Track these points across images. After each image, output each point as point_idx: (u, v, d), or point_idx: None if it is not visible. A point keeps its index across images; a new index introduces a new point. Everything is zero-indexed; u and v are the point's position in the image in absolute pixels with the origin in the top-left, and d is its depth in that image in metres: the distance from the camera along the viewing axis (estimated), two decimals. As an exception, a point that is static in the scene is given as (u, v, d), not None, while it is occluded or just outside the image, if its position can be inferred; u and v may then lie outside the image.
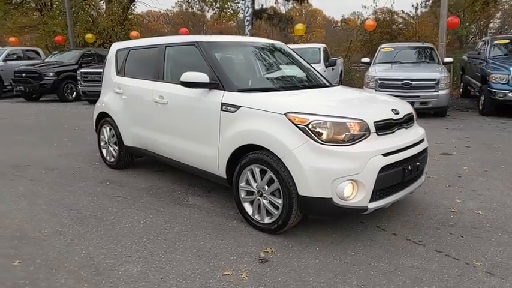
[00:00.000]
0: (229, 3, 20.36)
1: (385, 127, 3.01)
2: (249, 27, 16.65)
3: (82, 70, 11.71)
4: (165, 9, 44.70)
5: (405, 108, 3.39)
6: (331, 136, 2.81)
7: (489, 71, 8.94)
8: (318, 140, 2.80)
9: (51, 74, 12.36)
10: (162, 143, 4.08)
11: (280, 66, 4.15)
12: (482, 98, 9.03)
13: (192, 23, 42.91)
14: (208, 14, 37.62)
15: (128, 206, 3.76)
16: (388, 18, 20.11)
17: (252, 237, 3.09)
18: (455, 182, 4.35)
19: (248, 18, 16.56)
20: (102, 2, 22.87)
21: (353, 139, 2.82)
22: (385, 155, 2.88)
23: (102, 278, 2.55)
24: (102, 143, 5.12)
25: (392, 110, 3.17)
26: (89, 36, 18.54)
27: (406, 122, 3.27)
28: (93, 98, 9.90)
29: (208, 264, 2.71)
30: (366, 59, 10.40)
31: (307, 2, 23.15)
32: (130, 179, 4.60)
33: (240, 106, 3.22)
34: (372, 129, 2.90)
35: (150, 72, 4.27)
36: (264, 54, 4.20)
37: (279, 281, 2.50)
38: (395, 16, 21.88)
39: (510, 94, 8.27)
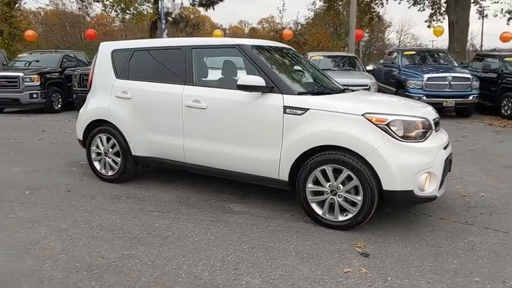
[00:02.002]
0: (136, 5, 19.35)
1: (436, 125, 3.43)
2: (166, 30, 16.20)
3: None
4: (37, 7, 39.49)
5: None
6: (406, 133, 3.10)
7: (405, 77, 10.40)
8: (397, 138, 3.07)
9: None
10: (196, 150, 3.87)
11: (306, 70, 4.30)
12: (400, 101, 10.44)
13: (70, 23, 39.42)
14: (91, 14, 35.15)
15: (174, 220, 3.49)
16: (269, 28, 21.54)
17: (331, 235, 3.20)
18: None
19: (164, 21, 16.10)
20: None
21: (423, 135, 3.16)
22: (444, 148, 3.30)
23: (230, 293, 2.40)
24: (93, 155, 4.56)
25: (434, 110, 3.62)
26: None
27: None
28: None
29: (320, 265, 2.75)
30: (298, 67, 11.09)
31: (213, 9, 23.38)
32: (144, 192, 4.22)
33: (308, 109, 3.30)
34: (432, 126, 3.29)
35: (172, 75, 4.00)
36: (294, 58, 4.30)
37: (397, 269, 2.69)
38: (279, 26, 23.55)
39: (424, 98, 9.72)
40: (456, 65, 11.12)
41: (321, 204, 3.35)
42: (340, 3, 21.19)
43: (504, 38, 14.93)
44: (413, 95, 9.87)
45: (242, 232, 3.26)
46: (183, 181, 4.53)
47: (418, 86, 9.97)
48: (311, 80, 4.01)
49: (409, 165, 3.04)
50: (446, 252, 2.94)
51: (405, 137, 3.10)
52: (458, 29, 16.59)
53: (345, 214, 3.26)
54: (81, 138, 4.66)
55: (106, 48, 4.57)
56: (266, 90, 3.47)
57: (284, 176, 3.46)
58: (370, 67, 10.96)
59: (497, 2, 19.30)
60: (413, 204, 3.41)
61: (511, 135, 7.91)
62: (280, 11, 31.90)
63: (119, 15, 20.88)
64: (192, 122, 3.84)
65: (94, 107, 4.50)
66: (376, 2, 21.50)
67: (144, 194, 4.16)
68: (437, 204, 3.88)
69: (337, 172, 3.23)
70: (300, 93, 3.46)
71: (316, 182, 3.33)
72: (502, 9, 19.68)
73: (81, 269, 2.64)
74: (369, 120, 3.11)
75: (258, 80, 3.42)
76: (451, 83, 9.76)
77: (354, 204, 3.21)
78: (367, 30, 38.98)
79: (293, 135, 3.35)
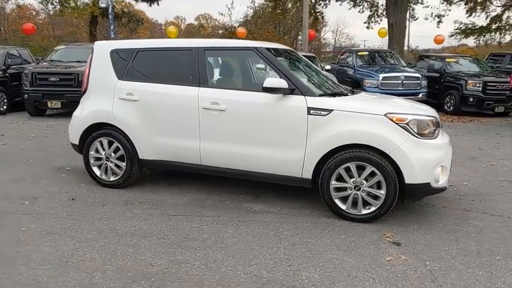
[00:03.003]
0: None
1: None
2: (112, 25, 15.49)
3: None
4: None
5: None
6: (421, 131, 3.42)
7: (361, 77, 11.06)
8: (416, 135, 3.37)
9: None
10: (214, 152, 3.87)
11: (314, 72, 4.45)
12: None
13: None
14: (8, 7, 32.51)
15: (202, 223, 3.49)
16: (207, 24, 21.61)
17: (357, 228, 3.42)
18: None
19: (111, 16, 15.39)
20: None
21: (433, 133, 3.50)
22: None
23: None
24: (92, 160, 4.34)
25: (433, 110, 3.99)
26: None
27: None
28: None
29: (363, 256, 2.95)
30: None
31: (158, 4, 22.74)
32: (154, 196, 4.13)
33: (332, 110, 3.48)
34: (440, 124, 3.65)
35: (184, 76, 3.96)
36: (300, 60, 4.43)
37: (430, 255, 2.98)
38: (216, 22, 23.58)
39: (380, 95, 10.41)
40: (404, 64, 12.05)
41: (343, 199, 3.56)
42: (290, 2, 21.77)
43: (438, 41, 16.44)
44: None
45: (275, 230, 3.36)
46: (188, 184, 4.49)
47: (374, 85, 10.65)
48: (321, 82, 4.18)
49: (427, 160, 3.36)
50: (462, 236, 3.30)
51: (421, 134, 3.41)
52: (397, 31, 17.87)
53: (367, 208, 3.51)
54: (76, 143, 4.41)
55: (103, 48, 4.37)
56: (288, 92, 3.59)
57: (308, 174, 3.61)
58: (328, 66, 11.46)
59: (428, 7, 21.12)
60: (428, 195, 3.74)
61: (460, 129, 8.81)
62: (229, 8, 31.92)
63: (56, 8, 19.58)
64: (210, 124, 3.84)
65: (93, 109, 4.28)
66: (320, 2, 22.47)
67: (155, 198, 4.07)
68: (434, 195, 4.29)
69: (359, 169, 3.46)
70: (320, 95, 3.64)
71: (339, 179, 3.54)
72: (432, 13, 21.52)
73: (138, 279, 2.58)
74: (390, 119, 3.38)
75: (282, 83, 3.54)
76: (404, 82, 10.58)
77: (376, 197, 3.46)
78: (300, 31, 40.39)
79: (318, 135, 3.51)
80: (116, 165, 4.26)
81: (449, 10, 21.43)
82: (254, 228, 3.39)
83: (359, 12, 22.97)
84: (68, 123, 4.62)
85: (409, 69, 11.32)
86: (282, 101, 3.62)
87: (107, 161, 4.29)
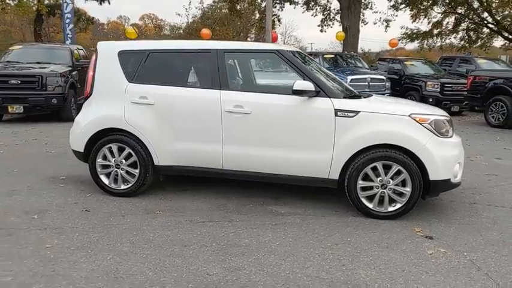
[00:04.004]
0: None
1: (449, 122, 4.06)
2: (70, 25, 14.62)
3: None
4: None
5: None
6: (439, 131, 3.63)
7: (329, 78, 11.41)
8: (437, 134, 3.57)
9: None
10: (238, 156, 3.81)
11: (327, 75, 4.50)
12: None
13: None
14: None
15: (236, 228, 3.44)
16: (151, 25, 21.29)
17: (386, 225, 3.55)
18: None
19: (69, 15, 14.53)
20: None
21: (449, 131, 3.73)
22: (460, 141, 3.94)
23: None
24: (99, 169, 4.09)
25: (441, 110, 4.25)
26: None
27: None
28: None
29: (406, 251, 3.08)
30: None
31: (109, 3, 21.79)
32: (172, 203, 3.99)
33: (359, 111, 3.59)
34: (452, 124, 3.89)
35: (202, 79, 3.86)
36: (315, 63, 4.48)
37: (463, 246, 3.17)
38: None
39: (348, 96, 10.82)
40: (367, 67, 12.62)
41: (369, 198, 3.68)
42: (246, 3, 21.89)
43: (392, 44, 17.41)
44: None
45: (311, 231, 3.39)
46: (199, 189, 4.38)
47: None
48: (338, 84, 4.26)
49: (448, 157, 3.58)
50: (481, 227, 3.56)
51: (440, 134, 3.62)
52: (351, 35, 18.68)
53: (393, 205, 3.65)
54: (81, 150, 4.12)
55: (109, 49, 4.13)
56: (313, 94, 3.64)
57: (334, 175, 3.69)
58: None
59: (376, 12, 22.28)
60: (447, 190, 3.96)
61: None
62: (186, 9, 31.40)
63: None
64: (234, 127, 3.78)
65: (102, 114, 4.03)
66: (275, 5, 22.82)
67: (173, 205, 3.93)
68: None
69: (385, 168, 3.60)
70: (344, 97, 3.73)
71: (364, 178, 3.65)
72: (380, 18, 22.73)
73: (203, 289, 2.49)
74: (414, 120, 3.56)
75: (309, 85, 3.59)
76: (370, 83, 11.07)
77: (400, 195, 3.62)
78: (252, 32, 40.85)
79: (346, 137, 3.60)
80: (128, 172, 4.05)
81: (396, 16, 22.87)
82: (290, 231, 3.40)
83: (312, 15, 23.84)
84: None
85: (374, 72, 11.88)
86: (308, 103, 3.67)
87: (117, 168, 4.06)
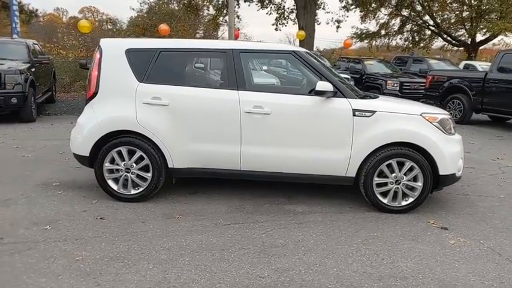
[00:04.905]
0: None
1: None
2: (18, 24, 13.49)
3: None
4: None
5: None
6: (445, 128, 3.90)
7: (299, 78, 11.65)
8: (444, 132, 3.83)
9: None
10: (256, 157, 3.80)
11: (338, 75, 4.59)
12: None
13: None
14: None
15: (265, 229, 3.45)
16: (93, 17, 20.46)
17: (401, 219, 3.75)
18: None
19: (15, 7, 13.40)
20: None
21: (452, 129, 4.01)
22: (458, 138, 4.25)
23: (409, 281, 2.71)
24: (106, 174, 3.88)
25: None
26: None
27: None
28: None
29: (430, 242, 3.29)
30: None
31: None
32: (187, 206, 3.89)
33: (375, 111, 3.74)
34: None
35: (218, 79, 3.79)
36: (326, 63, 4.56)
37: (477, 234, 3.45)
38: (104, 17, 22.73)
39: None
40: (330, 66, 13.03)
41: (383, 194, 3.86)
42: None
43: (346, 44, 18.13)
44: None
45: (337, 228, 3.50)
46: (209, 191, 4.30)
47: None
48: (349, 85, 4.37)
49: (454, 153, 3.85)
50: (483, 216, 3.88)
51: (446, 131, 3.89)
52: (308, 34, 19.18)
53: (406, 199, 3.86)
54: (86, 154, 3.88)
55: (115, 47, 3.92)
56: (331, 95, 3.74)
57: (352, 173, 3.82)
58: (265, 67, 11.78)
59: (329, 13, 23.06)
60: (451, 184, 4.23)
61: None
62: (140, 3, 30.37)
63: None
64: (253, 128, 3.77)
65: (110, 116, 3.81)
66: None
67: (191, 208, 3.84)
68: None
69: (399, 164, 3.79)
70: (360, 97, 3.87)
71: (379, 175, 3.82)
72: (332, 18, 23.53)
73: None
74: (425, 118, 3.78)
75: (329, 86, 3.68)
76: (336, 81, 11.47)
77: (412, 189, 3.84)
78: (201, 28, 40.34)
79: (363, 135, 3.74)
80: (139, 176, 3.88)
81: (347, 17, 23.82)
82: (316, 229, 3.47)
83: (267, 14, 24.12)
84: None
85: (338, 71, 12.30)
86: (326, 103, 3.76)
87: (127, 172, 3.87)
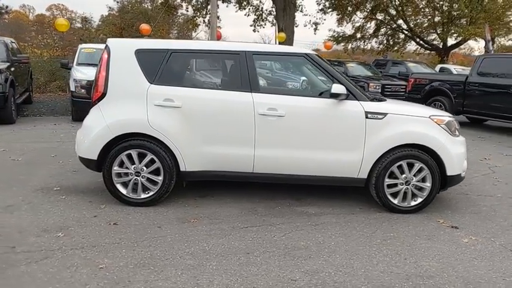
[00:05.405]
0: None
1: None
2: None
3: None
4: None
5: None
6: (451, 130, 4.02)
7: (284, 80, 11.72)
8: (450, 134, 3.96)
9: None
10: (270, 159, 3.79)
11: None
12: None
13: None
14: None
15: (285, 231, 3.45)
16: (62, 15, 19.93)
17: (411, 218, 3.84)
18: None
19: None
20: None
21: (456, 131, 4.15)
22: (459, 140, 4.40)
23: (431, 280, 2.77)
24: (115, 178, 3.76)
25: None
26: None
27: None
28: None
29: (445, 241, 3.38)
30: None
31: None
32: (199, 210, 3.83)
33: (387, 113, 3.81)
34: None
35: (231, 81, 3.77)
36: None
37: (486, 232, 3.58)
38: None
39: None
40: (313, 68, 13.19)
41: (393, 194, 3.93)
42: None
43: (327, 46, 18.39)
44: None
45: (354, 229, 3.54)
46: (218, 193, 4.25)
47: (296, 87, 11.43)
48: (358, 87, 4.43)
49: (459, 154, 3.98)
50: (487, 215, 4.02)
51: (451, 133, 4.02)
52: (287, 36, 19.34)
53: (415, 199, 3.96)
54: (94, 158, 3.74)
55: (124, 47, 3.81)
56: (345, 97, 3.78)
57: (364, 174, 3.87)
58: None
59: (306, 15, 23.34)
60: (456, 184, 4.35)
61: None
62: (117, 2, 29.76)
63: None
64: (267, 130, 3.76)
65: (121, 118, 3.70)
66: (210, 3, 22.64)
67: (204, 212, 3.78)
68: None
69: (408, 165, 3.88)
70: (371, 100, 3.93)
71: (389, 176, 3.90)
72: (310, 20, 23.79)
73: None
74: (433, 121, 3.89)
75: (343, 89, 3.72)
76: (320, 83, 11.61)
77: (421, 189, 3.94)
78: (174, 28, 39.92)
79: (375, 137, 3.80)
80: (149, 179, 3.78)
81: (325, 19, 24.16)
82: (334, 231, 3.50)
83: (245, 15, 24.11)
84: None
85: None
86: (338, 106, 3.80)
87: (137, 176, 3.77)
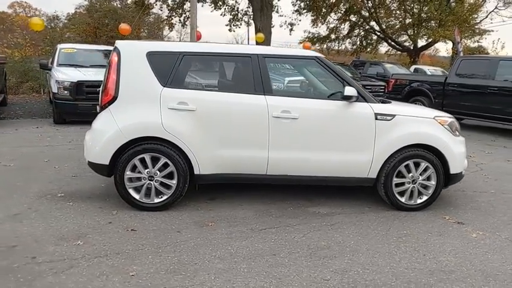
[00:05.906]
0: None
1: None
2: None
3: None
4: None
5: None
6: (453, 130, 4.21)
7: (266, 79, 11.78)
8: (452, 134, 4.14)
9: None
10: (283, 161, 3.83)
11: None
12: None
13: None
14: None
15: (303, 232, 3.50)
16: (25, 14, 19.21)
17: (419, 216, 3.99)
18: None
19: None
20: None
21: (456, 131, 4.33)
22: (457, 140, 4.60)
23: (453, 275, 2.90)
24: (128, 183, 3.69)
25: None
26: None
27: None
28: None
29: (455, 236, 3.54)
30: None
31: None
32: (214, 213, 3.82)
33: (395, 115, 3.94)
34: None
35: (244, 84, 3.77)
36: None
37: (490, 226, 3.77)
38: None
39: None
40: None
41: (400, 193, 4.07)
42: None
43: (306, 47, 18.60)
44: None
45: (369, 228, 3.64)
46: (227, 196, 4.26)
47: (280, 88, 11.51)
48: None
49: (461, 153, 4.17)
50: (488, 211, 4.23)
51: (453, 133, 4.20)
52: (264, 36, 19.46)
53: (420, 197, 4.11)
54: (106, 163, 3.65)
55: (135, 49, 3.75)
56: (355, 99, 3.88)
57: (373, 174, 3.99)
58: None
59: (282, 16, 23.52)
60: (458, 182, 4.53)
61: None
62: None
63: None
64: (281, 132, 3.79)
65: (134, 121, 3.63)
66: (185, 2, 22.40)
67: (220, 215, 3.77)
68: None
69: (415, 165, 4.02)
70: (380, 102, 4.05)
71: (397, 175, 4.03)
72: (285, 21, 23.99)
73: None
74: (437, 121, 4.06)
75: (354, 91, 3.82)
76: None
77: (426, 188, 4.10)
78: (145, 28, 39.18)
79: (384, 138, 3.92)
80: (162, 184, 3.74)
81: (300, 20, 24.42)
82: (350, 230, 3.58)
83: (221, 15, 24.01)
84: None
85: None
86: (349, 108, 3.89)
87: (150, 180, 3.71)
